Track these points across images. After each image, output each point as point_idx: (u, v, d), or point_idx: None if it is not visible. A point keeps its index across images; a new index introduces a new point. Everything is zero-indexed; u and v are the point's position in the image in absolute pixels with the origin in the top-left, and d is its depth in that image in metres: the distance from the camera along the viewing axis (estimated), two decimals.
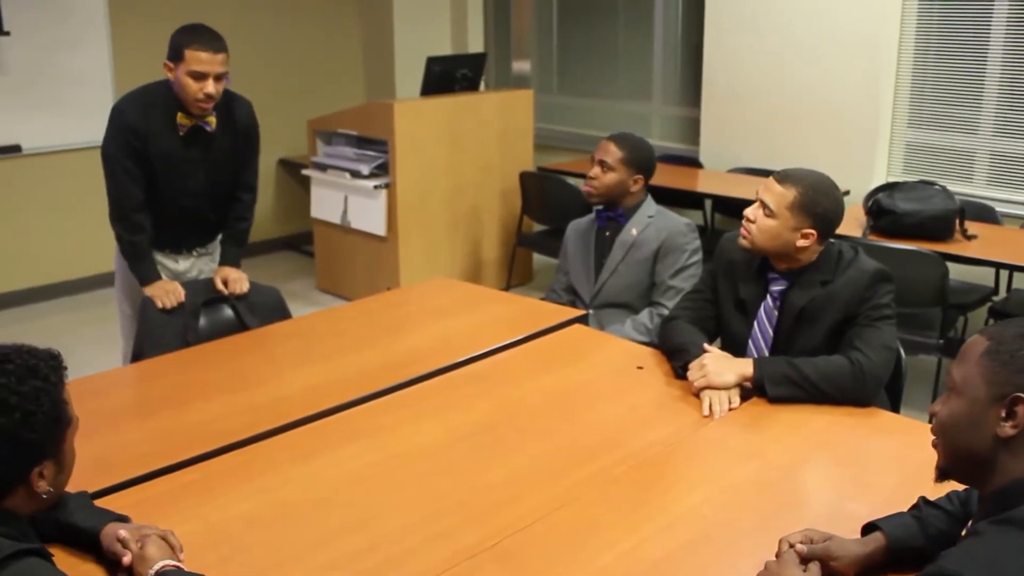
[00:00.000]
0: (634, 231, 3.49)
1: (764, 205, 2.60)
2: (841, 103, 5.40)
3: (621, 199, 3.51)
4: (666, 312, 3.14)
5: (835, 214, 2.60)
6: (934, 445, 1.60)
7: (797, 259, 2.62)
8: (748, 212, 2.64)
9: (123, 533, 1.76)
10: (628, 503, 2.05)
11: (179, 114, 3.25)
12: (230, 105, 3.36)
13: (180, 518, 1.95)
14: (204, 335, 3.19)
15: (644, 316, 3.39)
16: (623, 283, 3.48)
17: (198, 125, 3.29)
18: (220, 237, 3.59)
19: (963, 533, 1.55)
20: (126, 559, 1.74)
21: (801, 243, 2.57)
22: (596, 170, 3.50)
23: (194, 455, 2.22)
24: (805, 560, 1.73)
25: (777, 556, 1.76)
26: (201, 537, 1.90)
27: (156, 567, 1.69)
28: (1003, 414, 1.47)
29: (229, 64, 3.21)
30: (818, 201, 2.56)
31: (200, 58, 3.11)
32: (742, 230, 2.66)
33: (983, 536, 1.43)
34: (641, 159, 3.51)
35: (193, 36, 3.14)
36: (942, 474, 1.60)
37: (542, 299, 3.55)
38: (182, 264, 3.54)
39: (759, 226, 2.61)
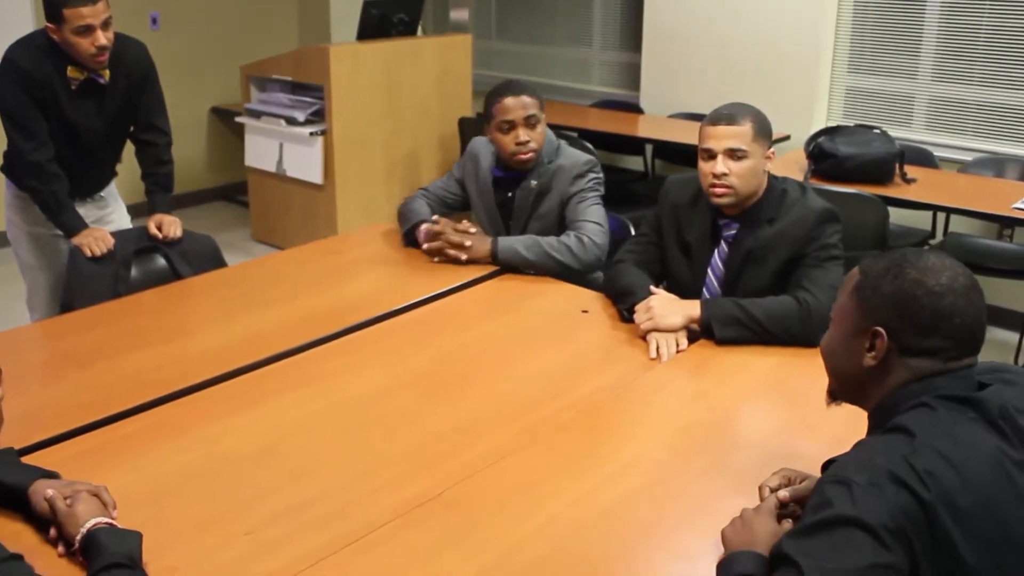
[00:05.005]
0: (533, 183, 3.18)
1: (733, 152, 2.53)
2: (781, 48, 5.37)
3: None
4: (586, 237, 3.01)
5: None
6: None
7: (756, 193, 2.60)
8: (716, 169, 2.53)
9: (50, 492, 1.68)
10: (576, 450, 2.02)
11: (69, 67, 3.11)
12: (121, 50, 3.20)
13: (115, 473, 1.88)
14: (136, 285, 3.08)
15: (563, 237, 3.05)
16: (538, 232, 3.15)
17: (90, 77, 3.15)
18: (135, 184, 3.44)
19: None
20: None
21: (768, 166, 2.59)
22: (523, 132, 3.07)
23: (129, 407, 2.15)
24: (789, 506, 1.67)
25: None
26: (137, 491, 1.83)
27: (87, 526, 1.60)
28: (867, 345, 1.53)
29: (111, 7, 3.05)
30: (764, 119, 2.60)
31: (81, 13, 2.96)
32: (718, 189, 2.55)
33: (862, 442, 1.53)
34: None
35: None
36: (831, 396, 1.68)
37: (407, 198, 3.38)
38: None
39: (739, 173, 2.53)
